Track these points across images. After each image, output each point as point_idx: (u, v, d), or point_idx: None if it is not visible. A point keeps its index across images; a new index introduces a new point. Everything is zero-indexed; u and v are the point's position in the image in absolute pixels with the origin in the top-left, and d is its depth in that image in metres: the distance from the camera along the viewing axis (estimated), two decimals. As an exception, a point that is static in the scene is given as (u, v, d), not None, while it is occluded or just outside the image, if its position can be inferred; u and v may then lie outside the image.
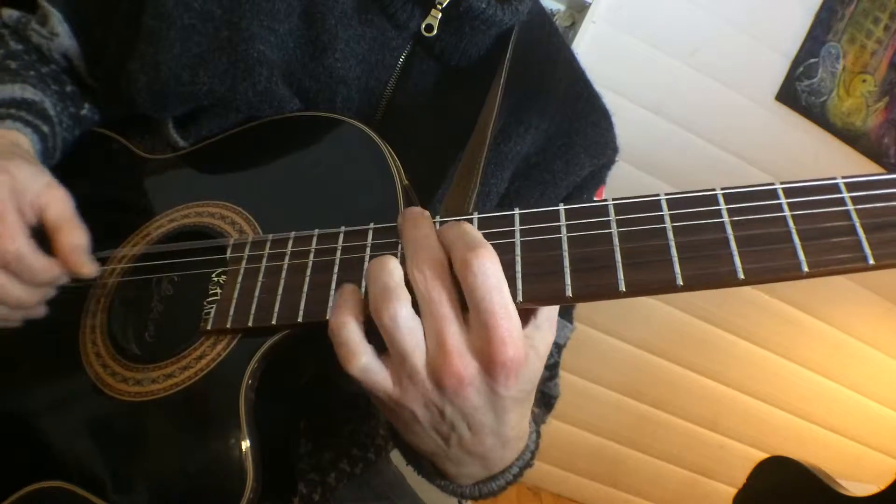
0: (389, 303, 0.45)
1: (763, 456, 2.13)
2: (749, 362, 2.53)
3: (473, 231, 0.47)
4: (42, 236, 0.61)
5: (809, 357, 2.55)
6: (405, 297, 0.46)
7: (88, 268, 0.61)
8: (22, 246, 0.58)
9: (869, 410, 2.64)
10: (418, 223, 0.49)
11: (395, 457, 1.00)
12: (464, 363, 0.45)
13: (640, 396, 2.59)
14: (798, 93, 2.26)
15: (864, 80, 2.27)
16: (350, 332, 0.47)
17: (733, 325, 2.49)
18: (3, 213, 0.57)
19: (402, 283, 0.46)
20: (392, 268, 0.47)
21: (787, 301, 2.47)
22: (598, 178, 0.83)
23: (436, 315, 0.45)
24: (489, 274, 0.44)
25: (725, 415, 2.60)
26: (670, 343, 2.50)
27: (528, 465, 0.63)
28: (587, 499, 2.70)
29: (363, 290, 0.51)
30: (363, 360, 0.47)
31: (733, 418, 2.61)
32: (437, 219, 0.54)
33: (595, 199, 0.85)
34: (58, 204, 0.61)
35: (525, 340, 0.47)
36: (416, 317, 0.46)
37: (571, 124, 0.80)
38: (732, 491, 2.16)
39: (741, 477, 2.14)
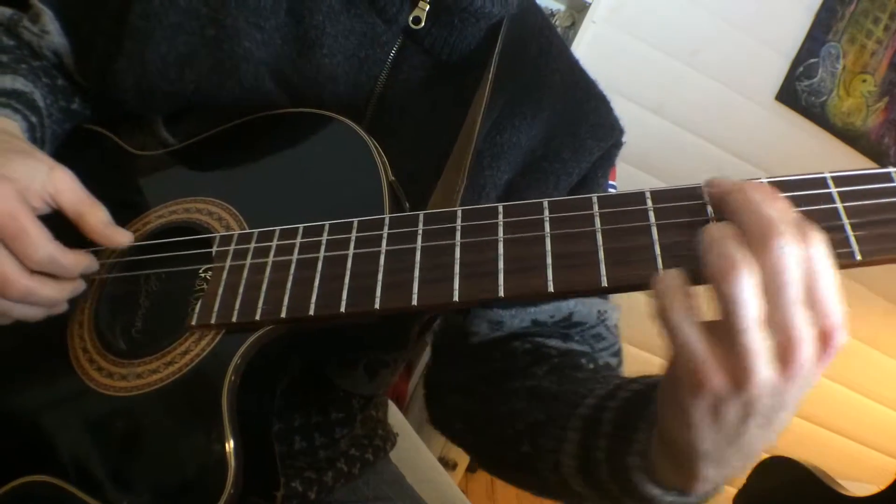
0: (736, 270, 0.40)
1: (763, 456, 2.13)
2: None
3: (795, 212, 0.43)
4: (59, 221, 0.61)
5: (809, 357, 2.54)
6: (752, 268, 0.40)
7: (123, 236, 0.63)
8: (51, 250, 0.58)
9: (869, 410, 2.63)
10: (751, 192, 0.43)
11: (395, 456, 1.00)
12: (807, 350, 0.40)
13: (641, 397, 2.58)
14: (798, 93, 2.26)
15: (864, 80, 2.26)
16: (684, 315, 0.41)
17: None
18: (22, 223, 0.56)
19: (748, 252, 0.41)
20: (733, 234, 0.41)
21: (788, 301, 2.47)
22: (608, 159, 0.83)
23: (787, 297, 0.40)
24: (825, 257, 0.40)
25: (725, 415, 2.60)
26: (670, 343, 2.50)
27: None
28: (587, 499, 2.69)
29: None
30: (701, 346, 0.41)
31: (733, 419, 2.60)
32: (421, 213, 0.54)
33: (608, 181, 0.86)
34: (67, 187, 0.61)
35: None
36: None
37: (573, 113, 0.81)
38: (732, 491, 2.16)
39: (741, 477, 2.13)
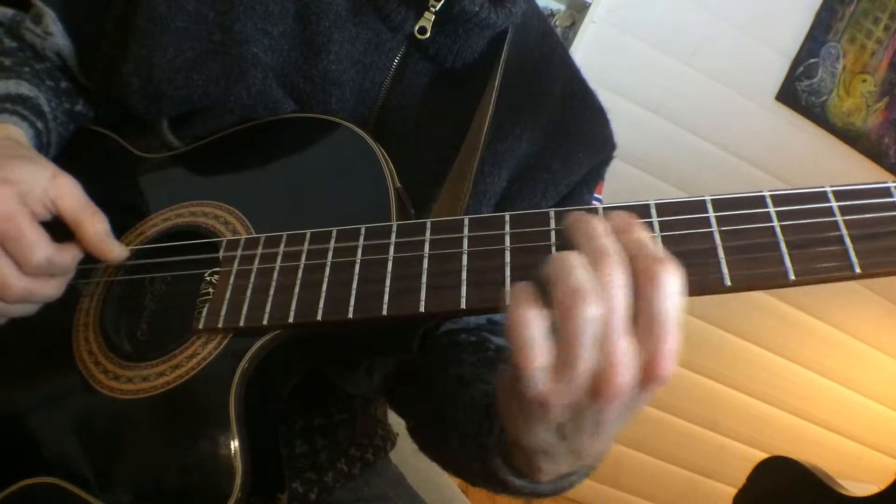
0: (584, 303, 0.41)
1: (763, 456, 2.13)
2: (749, 362, 2.53)
3: (649, 239, 0.45)
4: (60, 224, 0.61)
5: (809, 357, 2.55)
6: (599, 300, 0.42)
7: (118, 252, 0.63)
8: (49, 253, 0.58)
9: (869, 410, 2.64)
10: (595, 223, 0.45)
11: (395, 456, 1.00)
12: (628, 378, 0.42)
13: (640, 396, 2.58)
14: (798, 93, 2.26)
15: (864, 80, 2.26)
16: (536, 330, 0.43)
17: (734, 326, 2.49)
18: (20, 226, 0.57)
19: (597, 284, 0.42)
20: (582, 265, 0.43)
21: (788, 301, 2.47)
22: (596, 174, 0.84)
23: (613, 325, 0.42)
24: (674, 288, 0.42)
25: (725, 415, 2.60)
26: (670, 343, 2.50)
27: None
28: (587, 499, 2.69)
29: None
30: (544, 362, 0.43)
31: (733, 418, 2.60)
32: (428, 221, 0.54)
33: (595, 194, 0.86)
34: (68, 193, 0.61)
35: None
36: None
37: (568, 123, 0.81)
38: (732, 491, 2.16)
39: (741, 477, 2.13)
